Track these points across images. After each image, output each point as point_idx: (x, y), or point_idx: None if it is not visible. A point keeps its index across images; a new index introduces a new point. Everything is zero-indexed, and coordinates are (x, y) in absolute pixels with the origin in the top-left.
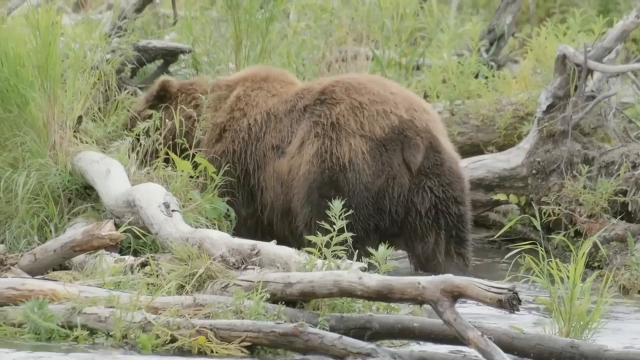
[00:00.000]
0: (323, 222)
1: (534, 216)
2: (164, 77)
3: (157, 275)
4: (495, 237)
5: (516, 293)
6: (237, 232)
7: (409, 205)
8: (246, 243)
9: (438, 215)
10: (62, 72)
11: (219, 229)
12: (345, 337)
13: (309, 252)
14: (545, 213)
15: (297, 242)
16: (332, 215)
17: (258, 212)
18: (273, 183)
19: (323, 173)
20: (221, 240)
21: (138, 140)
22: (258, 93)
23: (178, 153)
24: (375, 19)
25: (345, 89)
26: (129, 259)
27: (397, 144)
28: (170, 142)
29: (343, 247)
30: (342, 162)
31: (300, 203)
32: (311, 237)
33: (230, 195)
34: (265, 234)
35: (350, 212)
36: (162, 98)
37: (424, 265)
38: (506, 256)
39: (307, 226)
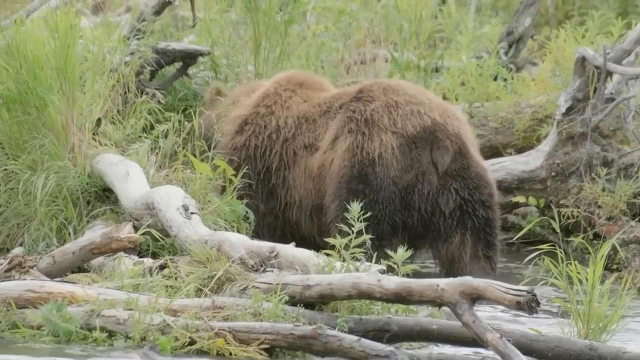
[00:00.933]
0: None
1: (553, 218)
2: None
3: (175, 278)
4: (514, 239)
5: (535, 295)
6: (255, 229)
7: (434, 205)
8: (265, 245)
9: (464, 217)
10: (81, 74)
11: (238, 232)
12: (363, 340)
13: (328, 255)
14: (564, 215)
15: (323, 241)
16: (351, 218)
17: (278, 211)
18: (303, 180)
19: (353, 167)
20: (240, 242)
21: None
22: (291, 95)
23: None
24: (394, 21)
25: (382, 88)
26: (148, 261)
27: (427, 143)
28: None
29: (362, 249)
30: (371, 156)
31: (330, 198)
32: (330, 240)
33: (248, 190)
34: (285, 234)
35: (377, 206)
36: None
37: (449, 267)
38: (526, 259)
39: (335, 221)
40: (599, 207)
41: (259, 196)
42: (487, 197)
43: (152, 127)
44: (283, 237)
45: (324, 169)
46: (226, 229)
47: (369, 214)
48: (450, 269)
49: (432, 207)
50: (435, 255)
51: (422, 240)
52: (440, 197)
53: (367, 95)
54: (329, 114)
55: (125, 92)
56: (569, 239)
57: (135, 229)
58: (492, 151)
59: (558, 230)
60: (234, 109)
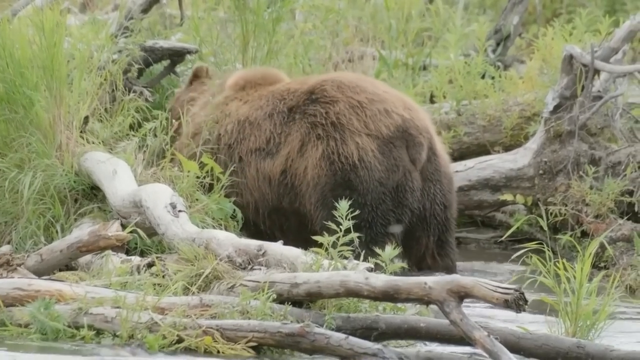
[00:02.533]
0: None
1: (541, 216)
2: (198, 63)
3: (163, 276)
4: (502, 238)
5: (522, 293)
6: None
7: (420, 203)
8: (253, 243)
9: (431, 219)
10: (69, 72)
11: (226, 230)
12: (351, 338)
13: (316, 253)
14: (551, 213)
15: (287, 239)
16: (339, 216)
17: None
18: (258, 184)
19: (335, 175)
20: (228, 240)
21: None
22: (233, 100)
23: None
24: (382, 20)
25: (337, 86)
26: (136, 259)
27: (403, 142)
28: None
29: (350, 248)
30: (351, 161)
31: (314, 207)
32: (317, 238)
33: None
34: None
35: (367, 209)
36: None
37: (417, 266)
38: (512, 256)
39: (323, 228)
40: (587, 205)
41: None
42: (450, 197)
43: (140, 125)
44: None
45: (292, 176)
46: (214, 227)
47: (356, 214)
48: (418, 269)
49: (418, 206)
50: (406, 254)
51: (406, 238)
52: (425, 201)
53: (323, 96)
54: (275, 118)
55: (112, 90)
56: (556, 237)
57: (123, 227)
58: (479, 149)
59: (546, 228)
60: (195, 106)
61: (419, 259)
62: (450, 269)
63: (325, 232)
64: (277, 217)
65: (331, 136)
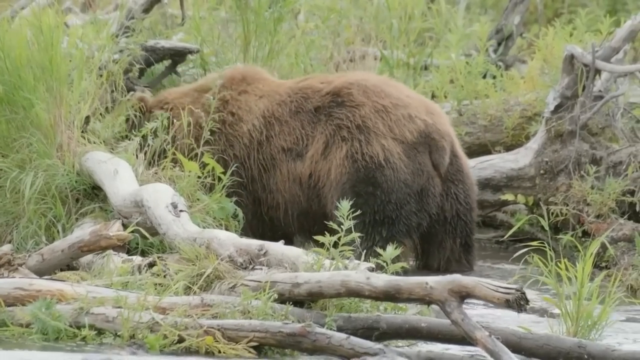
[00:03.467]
0: (360, 219)
1: (542, 216)
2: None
3: (164, 276)
4: (504, 237)
5: (524, 293)
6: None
7: (440, 209)
8: (254, 243)
9: (458, 222)
10: (69, 72)
11: (227, 229)
12: (352, 338)
13: (317, 253)
14: (553, 213)
15: (310, 241)
16: (340, 216)
17: (264, 214)
18: (288, 185)
19: (358, 172)
20: (229, 240)
21: (145, 140)
22: (247, 98)
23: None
24: (384, 20)
25: (362, 91)
26: (137, 259)
27: (426, 147)
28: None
29: (351, 248)
30: (377, 160)
31: (335, 206)
32: (319, 237)
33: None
34: (272, 236)
35: (391, 206)
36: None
37: (435, 270)
38: (514, 256)
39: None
40: (588, 204)
41: (245, 203)
42: (474, 200)
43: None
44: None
45: (317, 178)
46: (215, 227)
47: (380, 210)
48: (435, 273)
49: (437, 211)
50: (425, 258)
51: (427, 243)
52: (445, 202)
53: (349, 100)
54: (302, 115)
55: (113, 90)
56: (557, 236)
57: (124, 226)
58: (481, 149)
59: (547, 228)
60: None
61: (444, 263)
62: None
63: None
64: (306, 220)
65: (356, 138)
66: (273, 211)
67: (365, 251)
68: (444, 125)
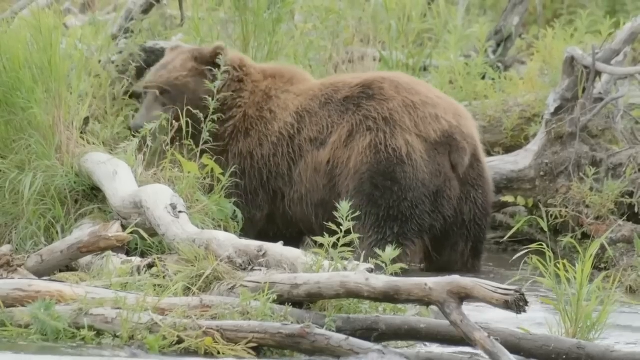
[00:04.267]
0: (374, 212)
1: (541, 218)
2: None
3: (163, 277)
4: (504, 239)
5: (523, 294)
6: (246, 235)
7: (457, 212)
8: (253, 244)
9: (474, 227)
10: (68, 73)
11: (226, 230)
12: (351, 338)
13: (316, 253)
14: (552, 215)
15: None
16: (340, 216)
17: (287, 209)
18: (309, 174)
19: (379, 164)
20: (228, 241)
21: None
22: (287, 96)
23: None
24: (383, 20)
25: (394, 86)
26: (136, 260)
27: (447, 148)
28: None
29: (350, 249)
30: (399, 154)
31: (350, 194)
32: (318, 238)
33: (245, 200)
34: (282, 236)
35: (406, 204)
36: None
37: (441, 272)
38: (513, 257)
39: (356, 217)
40: (587, 206)
41: (258, 203)
42: (491, 207)
43: None
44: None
45: (335, 166)
46: (214, 228)
47: (396, 206)
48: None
49: (454, 214)
50: (434, 260)
51: (438, 245)
52: (463, 205)
53: (380, 94)
54: (330, 106)
55: (113, 92)
56: (557, 238)
57: (124, 227)
58: None
59: (546, 229)
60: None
61: (455, 264)
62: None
63: (355, 220)
64: (323, 210)
65: (381, 129)
66: (295, 205)
67: (374, 244)
68: (468, 129)
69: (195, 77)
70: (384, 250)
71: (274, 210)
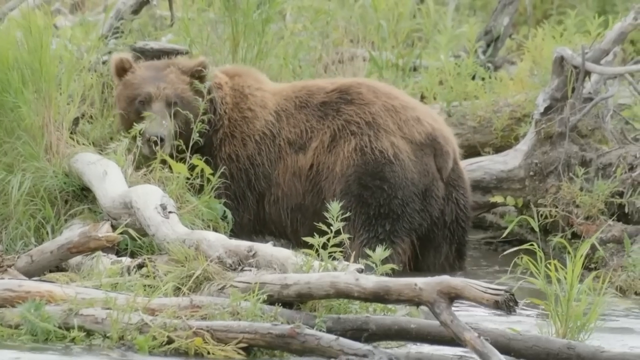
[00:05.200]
0: (364, 211)
1: (532, 218)
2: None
3: (154, 277)
4: (496, 240)
5: (513, 295)
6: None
7: (440, 212)
8: (243, 244)
9: (457, 228)
10: (58, 73)
11: (216, 231)
12: (342, 339)
13: (306, 254)
14: (542, 215)
15: (296, 239)
16: (330, 217)
17: (265, 211)
18: (288, 177)
19: (366, 164)
20: (218, 241)
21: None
22: (263, 94)
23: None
24: (372, 20)
25: (372, 91)
26: (126, 260)
27: (432, 150)
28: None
29: (340, 249)
30: (386, 155)
31: (337, 197)
32: (307, 239)
33: (235, 203)
34: (268, 235)
35: (397, 202)
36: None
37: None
38: (502, 255)
39: (344, 218)
40: (577, 206)
41: (247, 205)
42: (470, 208)
43: None
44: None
45: (319, 171)
46: (204, 229)
47: (386, 204)
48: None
49: (438, 214)
50: (419, 261)
51: (422, 246)
52: (446, 206)
53: (359, 98)
54: (307, 110)
55: (103, 92)
56: (547, 238)
57: (113, 228)
58: (470, 150)
59: (536, 229)
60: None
61: (440, 267)
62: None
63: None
64: (299, 216)
65: (365, 133)
66: (270, 206)
67: (365, 243)
68: (447, 132)
69: (192, 91)
70: (375, 248)
71: (258, 211)
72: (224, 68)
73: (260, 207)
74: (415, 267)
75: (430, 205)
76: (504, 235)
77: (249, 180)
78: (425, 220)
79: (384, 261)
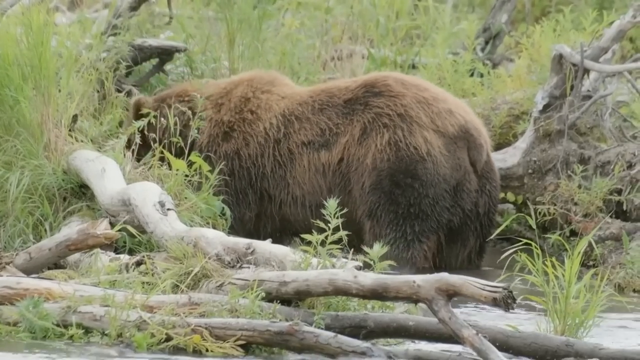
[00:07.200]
0: (393, 209)
1: (530, 215)
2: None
3: (152, 274)
4: (492, 236)
5: (511, 292)
6: (236, 234)
7: (474, 205)
8: (241, 242)
9: (486, 221)
10: (57, 71)
11: (214, 228)
12: (340, 336)
13: (305, 251)
14: (540, 212)
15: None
16: (328, 214)
17: (273, 211)
18: (309, 176)
19: (400, 161)
20: (216, 238)
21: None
22: (269, 97)
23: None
24: (371, 18)
25: (400, 82)
26: (124, 257)
27: (465, 143)
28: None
29: (339, 246)
30: (420, 152)
31: (365, 191)
32: (306, 236)
33: (235, 199)
34: (275, 233)
35: (427, 201)
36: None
37: (444, 269)
38: (503, 256)
39: (372, 214)
40: (576, 204)
41: (248, 203)
42: (498, 201)
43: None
44: (272, 238)
45: (348, 163)
46: (202, 226)
47: (416, 203)
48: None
49: (471, 208)
50: (444, 255)
51: (450, 240)
52: (479, 198)
53: (387, 90)
54: (328, 111)
55: (101, 89)
56: (545, 236)
57: (112, 225)
58: None
59: (535, 227)
60: (211, 111)
61: (461, 261)
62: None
63: (369, 218)
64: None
65: (398, 126)
66: (288, 207)
67: (392, 243)
68: (479, 124)
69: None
70: (403, 247)
71: (261, 212)
72: (244, 74)
73: (266, 209)
74: (440, 261)
75: (462, 200)
76: (497, 232)
77: (251, 178)
78: (457, 215)
79: (408, 262)
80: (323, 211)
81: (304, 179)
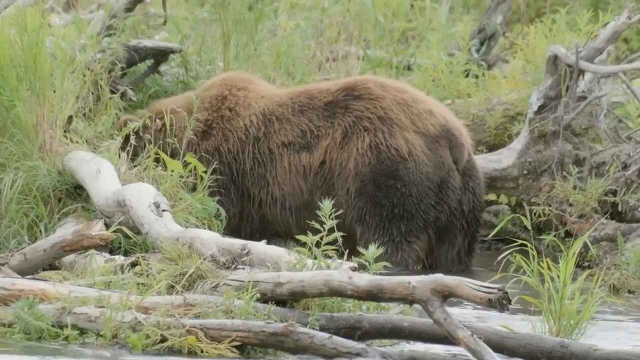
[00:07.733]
0: (378, 212)
1: (525, 216)
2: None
3: (147, 275)
4: (487, 238)
5: (506, 293)
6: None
7: (459, 203)
8: (236, 243)
9: (472, 218)
10: (52, 72)
11: (209, 229)
12: (335, 337)
13: (299, 252)
14: (535, 213)
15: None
16: (322, 215)
17: (252, 210)
18: (289, 177)
19: (382, 164)
20: (211, 240)
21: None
22: (246, 94)
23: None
24: (367, 18)
25: (380, 85)
26: (119, 258)
27: (447, 142)
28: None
29: (334, 247)
30: (401, 153)
31: (351, 197)
32: (301, 237)
33: (219, 194)
34: (253, 234)
35: (411, 200)
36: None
37: (448, 269)
38: (498, 258)
39: (361, 219)
40: (571, 205)
41: (231, 199)
42: (484, 198)
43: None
44: (251, 237)
45: (330, 167)
46: (197, 227)
47: (400, 204)
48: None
49: (456, 205)
50: (434, 255)
51: (439, 239)
52: (463, 195)
53: (367, 93)
54: (308, 113)
55: (95, 90)
56: (540, 237)
57: (107, 226)
58: None
59: (530, 228)
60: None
61: (451, 261)
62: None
63: (359, 222)
64: (308, 213)
65: (379, 128)
66: (267, 207)
67: (382, 245)
68: (459, 125)
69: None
70: (392, 250)
71: (242, 210)
72: (220, 76)
73: (246, 207)
74: (431, 261)
75: (447, 197)
76: (493, 233)
77: (232, 174)
78: (443, 213)
79: (399, 264)
80: (302, 213)
81: (285, 180)
